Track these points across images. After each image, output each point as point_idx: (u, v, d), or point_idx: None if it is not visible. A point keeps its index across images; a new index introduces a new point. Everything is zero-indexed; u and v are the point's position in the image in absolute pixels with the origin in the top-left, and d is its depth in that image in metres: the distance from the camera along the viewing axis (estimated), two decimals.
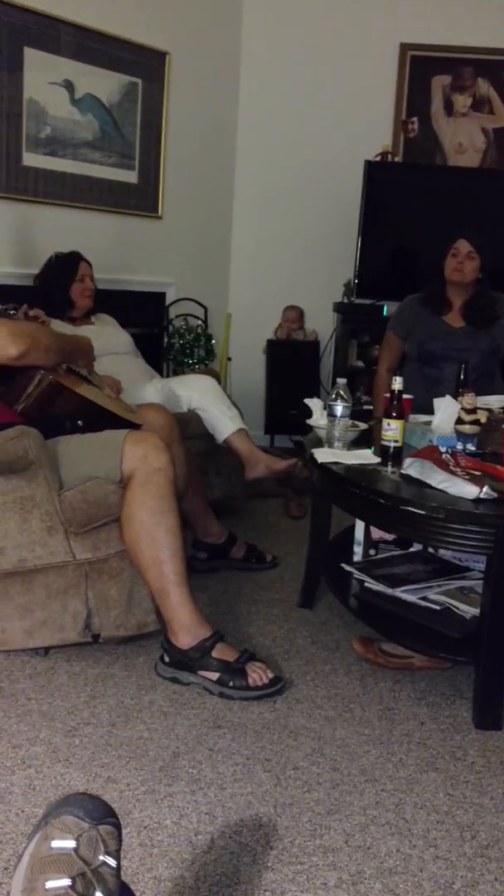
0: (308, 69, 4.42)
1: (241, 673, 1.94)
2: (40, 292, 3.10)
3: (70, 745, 1.72)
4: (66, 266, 3.10)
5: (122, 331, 3.29)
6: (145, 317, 4.06)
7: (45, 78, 3.53)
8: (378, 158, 4.28)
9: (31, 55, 3.46)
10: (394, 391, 2.18)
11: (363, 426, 2.43)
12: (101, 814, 0.96)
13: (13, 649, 2.06)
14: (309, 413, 2.52)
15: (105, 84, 3.77)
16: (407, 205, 4.21)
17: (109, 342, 3.06)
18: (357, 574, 2.28)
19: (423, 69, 4.42)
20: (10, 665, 2.03)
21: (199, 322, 4.36)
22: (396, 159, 4.42)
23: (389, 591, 2.16)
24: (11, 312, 2.45)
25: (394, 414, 2.14)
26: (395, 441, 2.15)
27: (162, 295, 4.25)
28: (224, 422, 2.87)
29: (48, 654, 2.09)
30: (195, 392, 2.93)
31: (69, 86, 3.62)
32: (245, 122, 4.49)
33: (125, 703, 1.89)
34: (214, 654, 1.96)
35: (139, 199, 4.04)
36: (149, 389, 2.89)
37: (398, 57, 4.40)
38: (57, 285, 3.08)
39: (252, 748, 1.74)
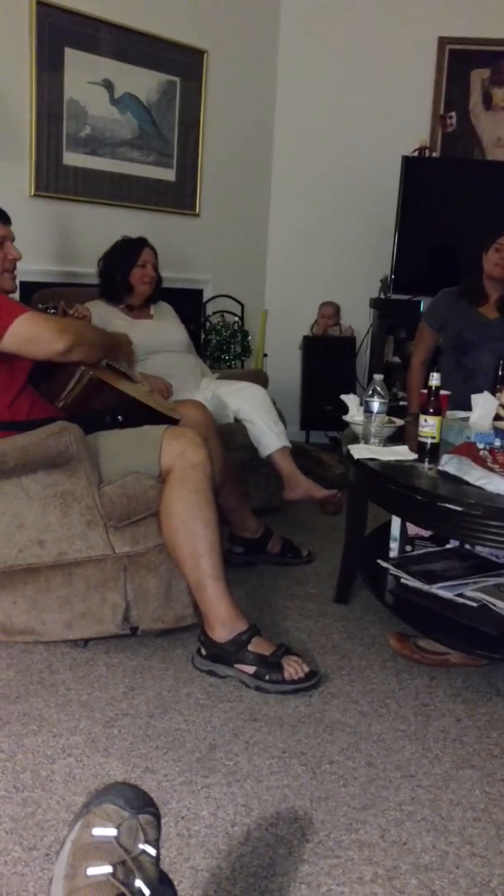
0: (345, 65, 4.40)
1: (277, 667, 1.96)
2: (102, 275, 3.13)
3: (109, 735, 1.74)
4: (129, 250, 3.11)
5: (179, 326, 3.28)
6: (183, 313, 4.06)
7: (84, 78, 3.57)
8: (415, 153, 4.25)
9: (71, 55, 3.50)
10: (431, 387, 2.17)
11: (400, 422, 2.42)
12: (141, 803, 0.98)
13: (53, 640, 2.10)
14: (345, 409, 2.52)
15: (144, 83, 3.80)
16: (444, 200, 4.17)
17: (165, 339, 3.08)
18: (393, 570, 2.28)
19: (461, 63, 4.37)
20: (50, 656, 2.07)
21: (236, 318, 4.38)
22: (434, 154, 4.39)
23: (426, 587, 2.15)
24: (51, 312, 2.49)
25: (431, 410, 2.13)
26: (433, 437, 2.14)
27: (199, 292, 4.28)
28: (270, 437, 2.87)
29: (87, 645, 2.13)
30: (244, 403, 2.94)
31: (108, 85, 3.66)
32: (282, 118, 4.50)
33: (163, 695, 1.92)
34: (251, 647, 1.97)
35: (177, 197, 4.07)
36: (198, 395, 2.89)
37: (436, 51, 4.36)
38: (118, 268, 3.09)
39: (288, 742, 1.76)
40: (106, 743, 1.72)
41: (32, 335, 1.98)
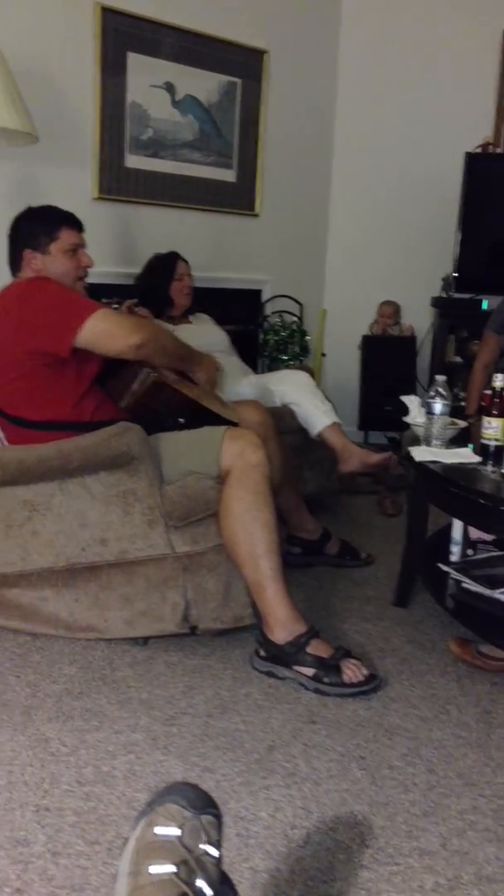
0: (406, 61, 4.35)
1: (336, 669, 1.95)
2: (141, 292, 3.20)
3: (168, 733, 1.76)
4: (164, 266, 3.22)
5: (218, 329, 3.36)
6: (241, 314, 4.10)
7: (146, 81, 3.61)
8: (479, 150, 4.18)
9: (133, 59, 3.54)
10: (495, 388, 2.14)
11: (462, 424, 2.39)
12: (203, 804, 0.99)
13: (114, 638, 2.13)
14: (405, 410, 2.49)
15: (205, 84, 3.82)
16: None
17: (206, 340, 3.11)
18: (454, 574, 2.25)
19: None
20: (111, 653, 2.10)
21: (295, 318, 4.37)
22: (498, 150, 4.30)
23: (488, 592, 2.11)
24: (115, 307, 2.52)
25: (495, 412, 2.09)
26: (497, 440, 2.10)
27: (258, 292, 4.28)
28: (317, 415, 2.86)
29: (147, 643, 2.15)
30: (288, 387, 2.94)
31: (170, 88, 3.69)
32: (342, 116, 4.47)
33: (221, 695, 1.93)
34: (309, 649, 1.97)
35: (237, 198, 4.08)
36: (244, 386, 2.93)
37: (501, 44, 4.27)
38: (157, 285, 3.19)
39: (347, 745, 1.75)
40: (165, 741, 1.73)
41: (108, 330, 2.03)
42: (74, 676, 1.98)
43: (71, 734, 1.74)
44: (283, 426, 2.76)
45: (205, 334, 3.19)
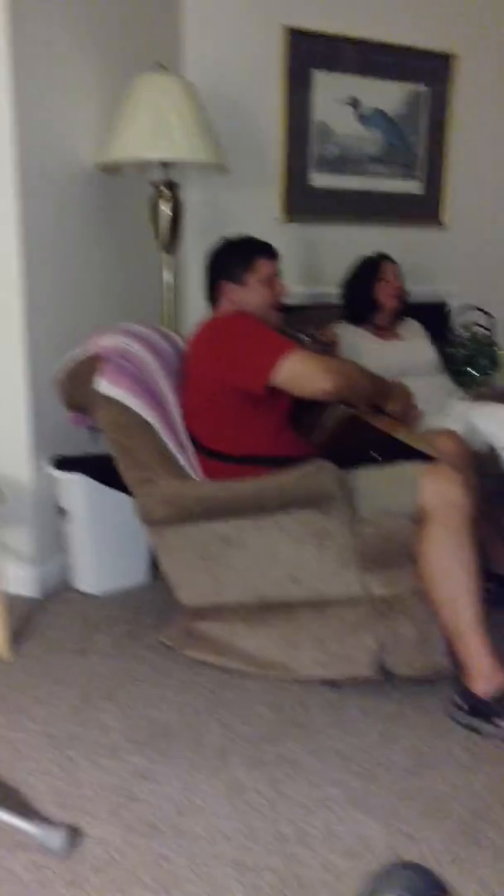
0: None
1: None
2: (346, 297, 3.12)
3: (366, 790, 1.68)
4: (369, 266, 3.09)
5: (428, 346, 3.18)
6: (428, 328, 3.94)
7: (331, 97, 3.56)
8: None
9: (317, 77, 3.51)
10: None
11: None
12: (429, 889, 0.91)
13: (306, 679, 2.08)
14: None
15: (390, 95, 3.71)
16: None
17: (413, 361, 2.99)
18: None
19: None
20: (303, 694, 2.05)
21: (485, 331, 4.15)
22: None
23: None
24: (304, 338, 2.48)
25: None
26: None
27: (446, 305, 4.11)
28: None
29: (338, 686, 2.08)
30: (499, 428, 2.71)
31: (355, 102, 3.62)
32: None
33: (419, 749, 1.82)
34: None
35: (423, 210, 3.94)
36: (448, 418, 2.74)
37: None
38: (360, 287, 3.08)
39: None
40: (364, 799, 1.65)
41: (302, 374, 2.00)
42: (267, 718, 1.94)
43: (266, 783, 1.70)
44: (485, 469, 2.56)
45: (413, 354, 3.04)
